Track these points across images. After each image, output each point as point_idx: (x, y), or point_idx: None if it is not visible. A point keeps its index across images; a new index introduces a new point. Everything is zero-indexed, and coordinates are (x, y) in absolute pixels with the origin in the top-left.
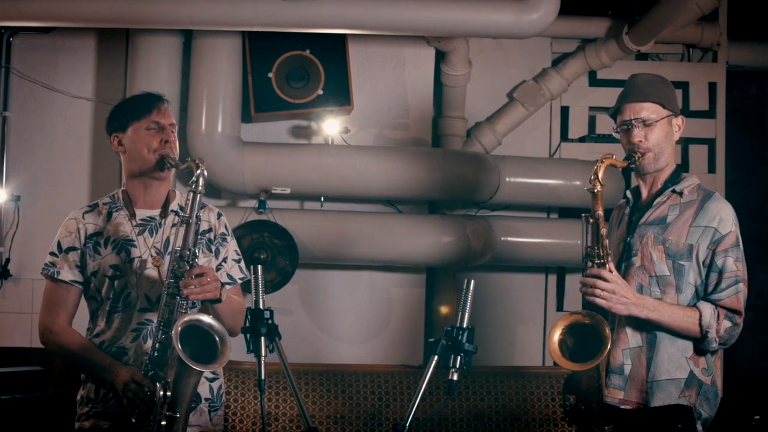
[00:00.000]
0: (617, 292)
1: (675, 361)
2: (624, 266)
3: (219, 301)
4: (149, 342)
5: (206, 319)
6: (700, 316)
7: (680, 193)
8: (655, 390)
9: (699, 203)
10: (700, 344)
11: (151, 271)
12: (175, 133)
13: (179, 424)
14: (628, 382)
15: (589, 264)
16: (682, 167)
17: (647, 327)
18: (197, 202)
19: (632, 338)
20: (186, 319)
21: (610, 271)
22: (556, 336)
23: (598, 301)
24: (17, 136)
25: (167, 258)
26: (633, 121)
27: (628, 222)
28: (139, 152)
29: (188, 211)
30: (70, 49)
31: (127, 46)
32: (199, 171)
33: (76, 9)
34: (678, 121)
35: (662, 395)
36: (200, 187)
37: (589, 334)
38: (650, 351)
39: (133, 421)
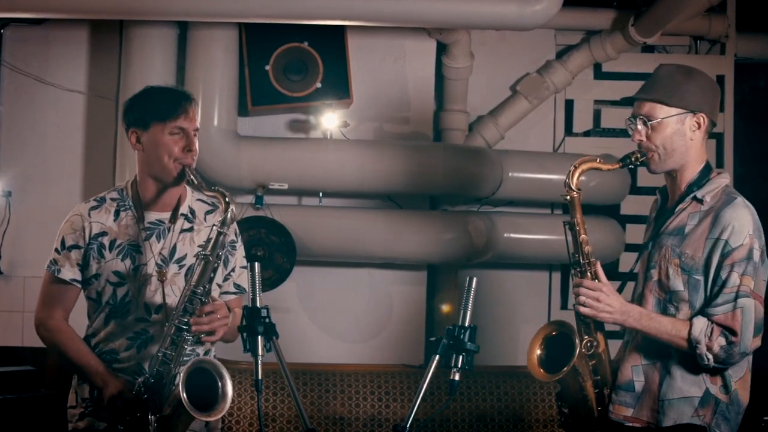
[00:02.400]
0: (602, 300)
1: (689, 378)
2: (645, 278)
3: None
4: (143, 352)
5: (216, 365)
6: (690, 329)
7: (701, 200)
8: (666, 409)
9: (715, 212)
10: (697, 360)
11: (154, 283)
12: (197, 136)
13: None
14: (639, 400)
15: (572, 272)
16: None
17: (662, 342)
18: (220, 241)
19: (646, 354)
20: (195, 361)
21: (595, 277)
22: (536, 351)
23: (582, 309)
24: (8, 131)
25: (171, 267)
26: (636, 118)
27: (653, 227)
28: (158, 157)
29: (209, 249)
30: (62, 41)
31: (120, 38)
32: (228, 212)
33: None
34: (695, 119)
35: (674, 414)
36: (226, 228)
37: (566, 344)
38: (663, 368)
39: None
